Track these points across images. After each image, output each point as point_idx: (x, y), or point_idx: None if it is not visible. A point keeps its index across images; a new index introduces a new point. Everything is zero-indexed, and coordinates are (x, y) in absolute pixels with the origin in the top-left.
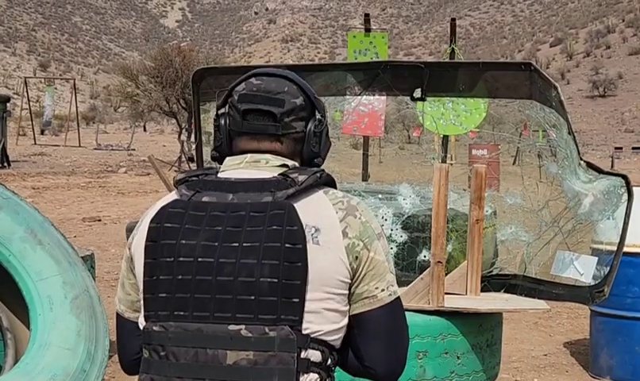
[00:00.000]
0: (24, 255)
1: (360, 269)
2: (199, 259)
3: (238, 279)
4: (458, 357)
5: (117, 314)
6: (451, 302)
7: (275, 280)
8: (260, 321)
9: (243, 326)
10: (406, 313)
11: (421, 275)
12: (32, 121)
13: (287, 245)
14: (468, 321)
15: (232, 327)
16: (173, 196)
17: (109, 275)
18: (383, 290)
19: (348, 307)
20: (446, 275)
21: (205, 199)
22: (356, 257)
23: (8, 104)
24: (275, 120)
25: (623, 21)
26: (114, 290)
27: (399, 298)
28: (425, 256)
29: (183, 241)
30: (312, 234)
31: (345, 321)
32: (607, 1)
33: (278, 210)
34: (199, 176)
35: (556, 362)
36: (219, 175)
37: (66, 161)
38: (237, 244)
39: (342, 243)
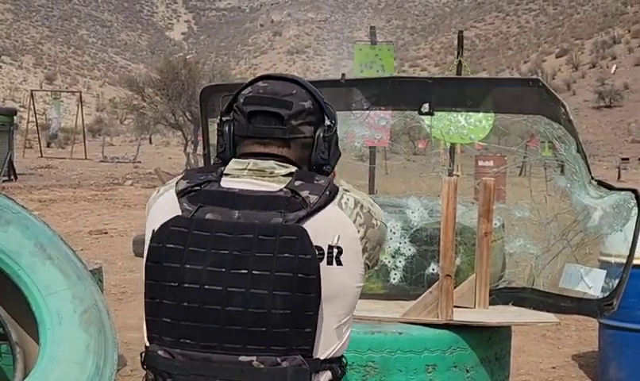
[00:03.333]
0: (33, 269)
1: (374, 261)
2: (206, 287)
3: (249, 310)
4: (467, 370)
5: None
6: (460, 316)
7: (288, 311)
8: (272, 351)
9: (254, 357)
10: (415, 326)
11: (429, 289)
12: (38, 133)
13: (299, 275)
14: (476, 334)
15: (242, 358)
16: (173, 197)
17: (117, 289)
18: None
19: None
20: (455, 288)
21: (209, 216)
22: (372, 257)
23: (15, 117)
24: (282, 123)
25: (629, 31)
26: (122, 303)
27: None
28: (433, 270)
29: (188, 266)
30: (334, 255)
31: (350, 329)
32: (613, 12)
33: (290, 236)
34: (202, 185)
35: (564, 375)
36: (223, 183)
37: (72, 174)
38: (245, 272)
39: (362, 258)
